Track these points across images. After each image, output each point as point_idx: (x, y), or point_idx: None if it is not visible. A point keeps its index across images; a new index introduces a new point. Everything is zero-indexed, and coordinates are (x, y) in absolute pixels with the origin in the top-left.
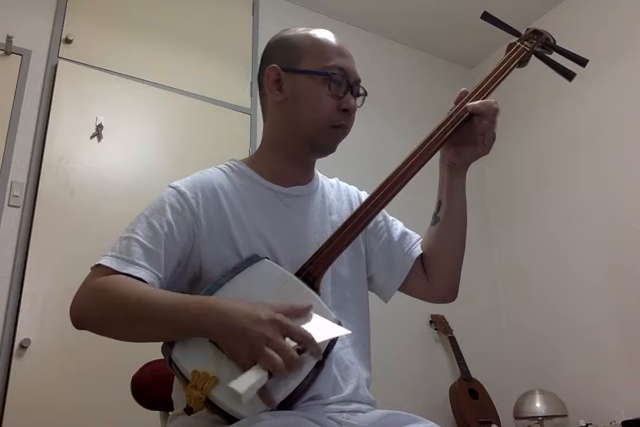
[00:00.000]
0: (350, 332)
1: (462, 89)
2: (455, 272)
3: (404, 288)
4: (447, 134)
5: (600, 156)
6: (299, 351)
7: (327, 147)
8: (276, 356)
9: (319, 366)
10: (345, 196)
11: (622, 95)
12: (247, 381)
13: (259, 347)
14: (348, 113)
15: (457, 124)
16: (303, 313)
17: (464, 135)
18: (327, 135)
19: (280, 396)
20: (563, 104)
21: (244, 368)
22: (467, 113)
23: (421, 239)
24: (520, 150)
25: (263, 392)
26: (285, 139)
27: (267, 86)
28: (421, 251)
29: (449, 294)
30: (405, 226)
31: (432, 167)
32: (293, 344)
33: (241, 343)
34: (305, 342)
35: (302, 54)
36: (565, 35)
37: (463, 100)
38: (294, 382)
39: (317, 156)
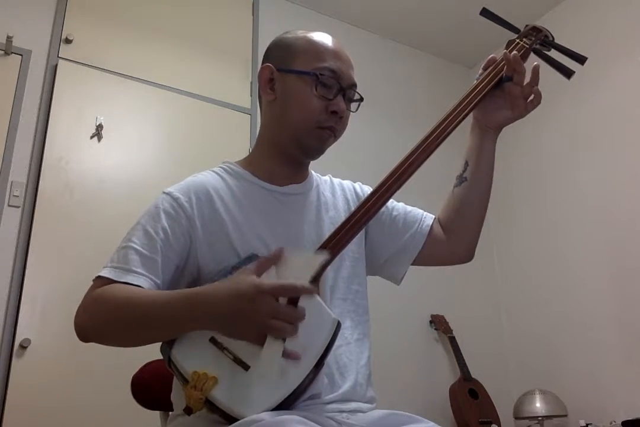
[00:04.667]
0: (326, 256)
1: (491, 56)
2: (477, 231)
3: (417, 262)
4: (479, 97)
5: (600, 156)
6: (295, 301)
7: (314, 149)
8: (281, 324)
9: (319, 365)
10: (340, 191)
11: (622, 95)
12: (270, 360)
13: (260, 323)
14: (337, 115)
15: (489, 87)
16: (277, 258)
17: (499, 99)
18: (313, 136)
19: (291, 385)
20: (562, 103)
21: (256, 344)
22: (501, 73)
23: (425, 213)
24: (519, 151)
25: (287, 354)
26: (277, 139)
27: (260, 85)
28: (431, 223)
29: (468, 254)
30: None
31: (429, 171)
32: (286, 299)
33: (241, 325)
34: (296, 292)
35: (296, 54)
36: (565, 35)
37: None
38: (294, 382)
39: (305, 157)
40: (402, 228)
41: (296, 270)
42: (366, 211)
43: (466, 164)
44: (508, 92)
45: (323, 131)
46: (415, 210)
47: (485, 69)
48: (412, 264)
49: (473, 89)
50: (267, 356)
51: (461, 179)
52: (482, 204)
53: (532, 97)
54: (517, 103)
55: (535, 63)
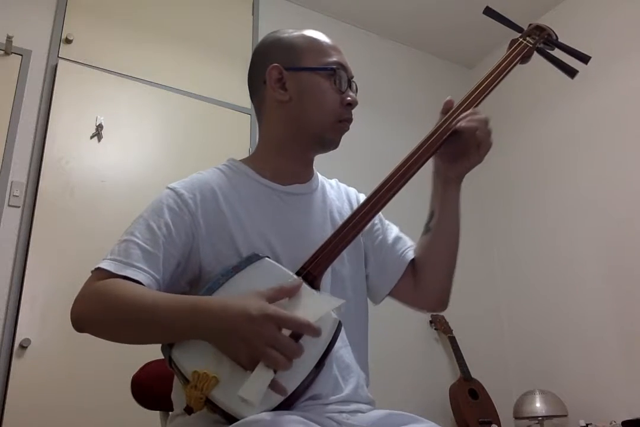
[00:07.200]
0: (344, 301)
1: (447, 99)
2: (444, 284)
3: (393, 294)
4: (434, 148)
5: (599, 155)
6: (298, 337)
7: (335, 142)
8: (277, 354)
9: (319, 366)
10: (346, 196)
11: (621, 94)
12: (255, 387)
13: (258, 348)
14: (351, 107)
15: (444, 137)
16: (294, 291)
17: (455, 147)
18: (335, 130)
19: (291, 385)
20: (562, 102)
21: (246, 368)
22: (452, 129)
23: (414, 246)
24: (518, 150)
25: (274, 385)
26: (289, 138)
27: (271, 86)
28: (413, 257)
29: (437, 306)
30: (401, 231)
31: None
32: (289, 331)
33: (238, 345)
34: (302, 328)
35: (302, 52)
36: (566, 34)
37: (452, 110)
38: (294, 383)
39: (321, 151)
40: (389, 248)
41: (307, 307)
42: (352, 227)
43: (431, 214)
44: (465, 139)
45: (342, 124)
46: (407, 240)
47: (444, 113)
48: (389, 296)
49: (430, 136)
50: (252, 382)
51: (427, 228)
52: (447, 255)
53: (481, 143)
54: (472, 151)
55: (478, 111)
